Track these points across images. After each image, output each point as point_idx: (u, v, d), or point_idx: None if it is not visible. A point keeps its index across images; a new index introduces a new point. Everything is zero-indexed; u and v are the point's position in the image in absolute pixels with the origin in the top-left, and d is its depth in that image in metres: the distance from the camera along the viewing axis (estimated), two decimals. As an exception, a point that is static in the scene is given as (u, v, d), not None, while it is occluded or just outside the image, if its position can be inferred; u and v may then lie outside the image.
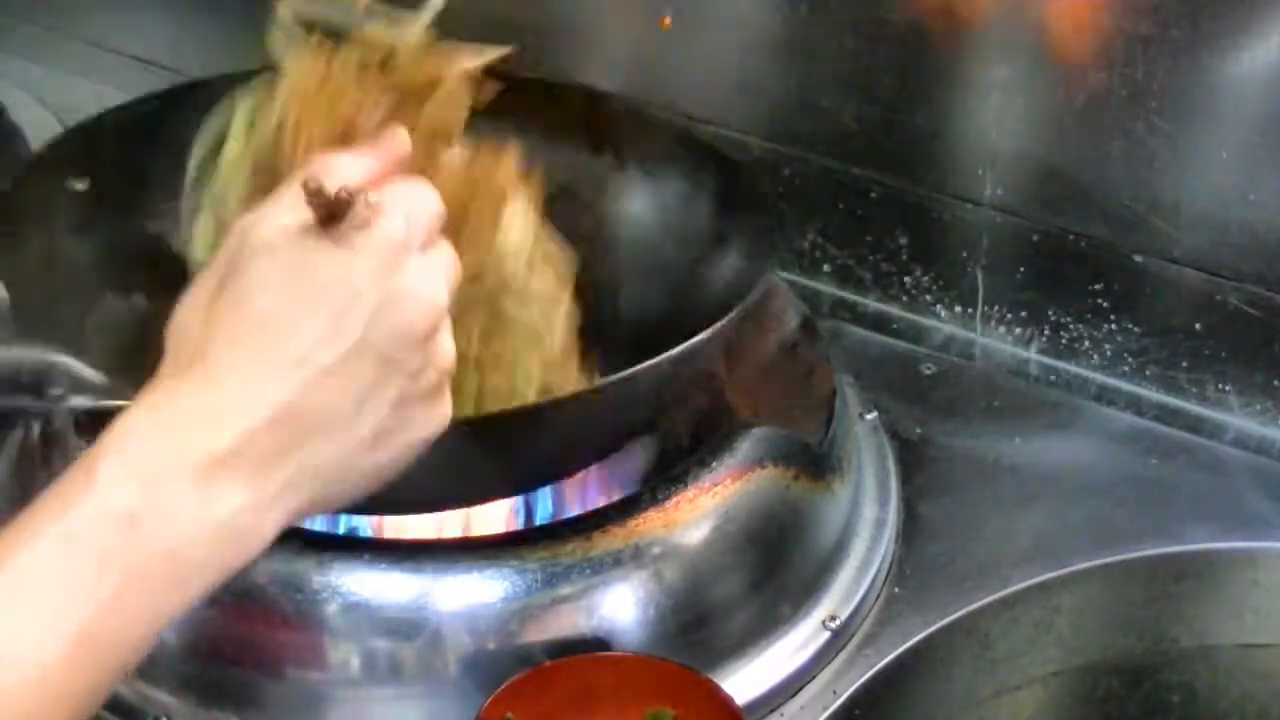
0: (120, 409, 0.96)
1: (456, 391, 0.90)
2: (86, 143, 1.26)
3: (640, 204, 1.33)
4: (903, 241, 1.45)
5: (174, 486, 0.78)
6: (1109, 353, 1.40)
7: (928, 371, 1.42)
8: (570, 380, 1.14)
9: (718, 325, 1.11)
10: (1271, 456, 1.34)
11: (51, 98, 1.68)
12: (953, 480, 1.31)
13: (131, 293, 1.24)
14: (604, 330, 1.23)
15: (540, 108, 1.32)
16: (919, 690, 1.21)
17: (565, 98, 1.34)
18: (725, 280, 1.25)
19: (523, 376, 1.12)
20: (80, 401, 1.00)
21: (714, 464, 1.15)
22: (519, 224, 1.08)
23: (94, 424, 1.02)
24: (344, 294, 0.82)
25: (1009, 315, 1.43)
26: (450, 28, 1.06)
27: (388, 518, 1.16)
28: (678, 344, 1.11)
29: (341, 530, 1.15)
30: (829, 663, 1.17)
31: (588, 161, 1.34)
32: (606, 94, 1.34)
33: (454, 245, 0.89)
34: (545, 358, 1.13)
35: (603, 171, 1.34)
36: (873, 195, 1.44)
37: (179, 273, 1.09)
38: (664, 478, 1.14)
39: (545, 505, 1.20)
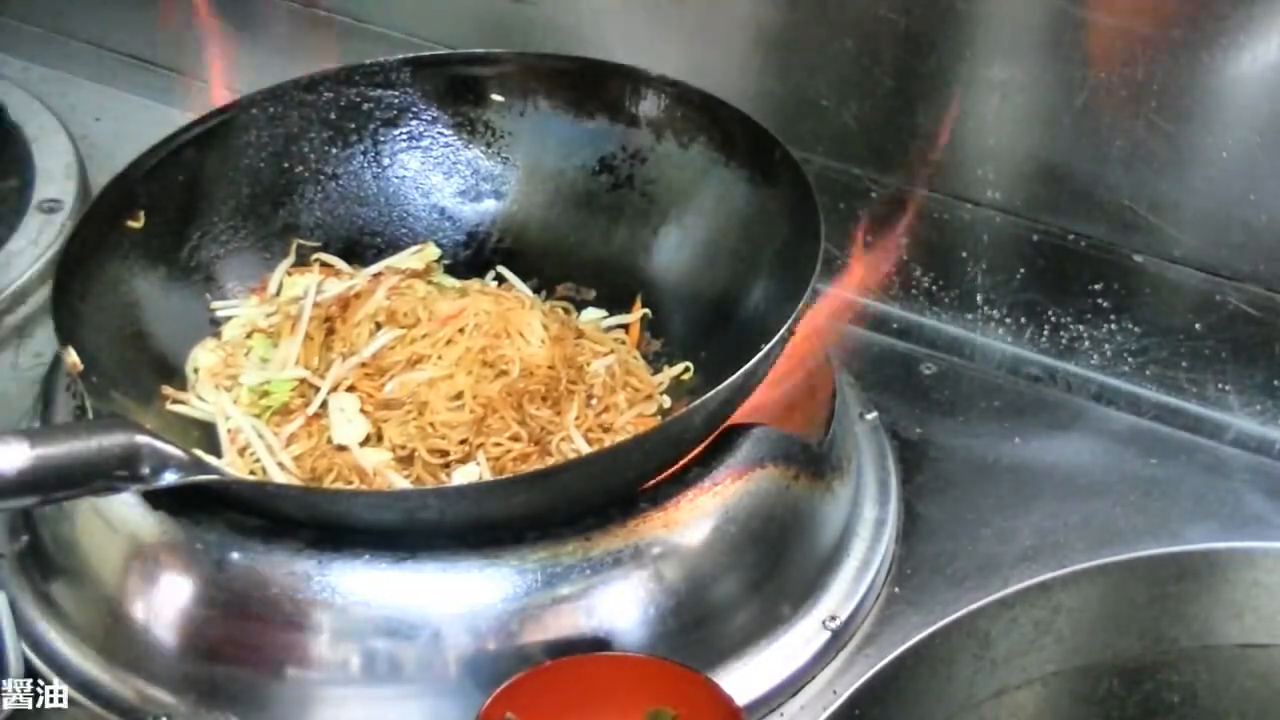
0: (204, 483, 1.00)
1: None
2: (133, 185, 1.29)
3: (677, 176, 1.35)
4: (903, 241, 1.45)
5: None
6: (1109, 353, 1.40)
7: (928, 371, 1.42)
8: (646, 385, 1.27)
9: (773, 341, 1.13)
10: (1271, 456, 1.34)
11: (51, 98, 1.68)
12: (953, 480, 1.31)
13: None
14: (649, 293, 1.34)
15: (579, 84, 1.37)
16: (919, 690, 1.21)
17: (604, 74, 1.37)
18: (767, 259, 1.28)
19: (620, 423, 1.24)
20: (170, 478, 1.03)
21: (714, 464, 1.15)
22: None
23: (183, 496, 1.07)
24: None
25: (1009, 315, 1.43)
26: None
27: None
28: (721, 323, 1.27)
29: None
30: (829, 663, 1.17)
31: (624, 134, 1.36)
32: (641, 70, 1.35)
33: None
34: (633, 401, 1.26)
35: (640, 144, 1.36)
36: (873, 195, 1.44)
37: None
38: (664, 478, 1.14)
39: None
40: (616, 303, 1.35)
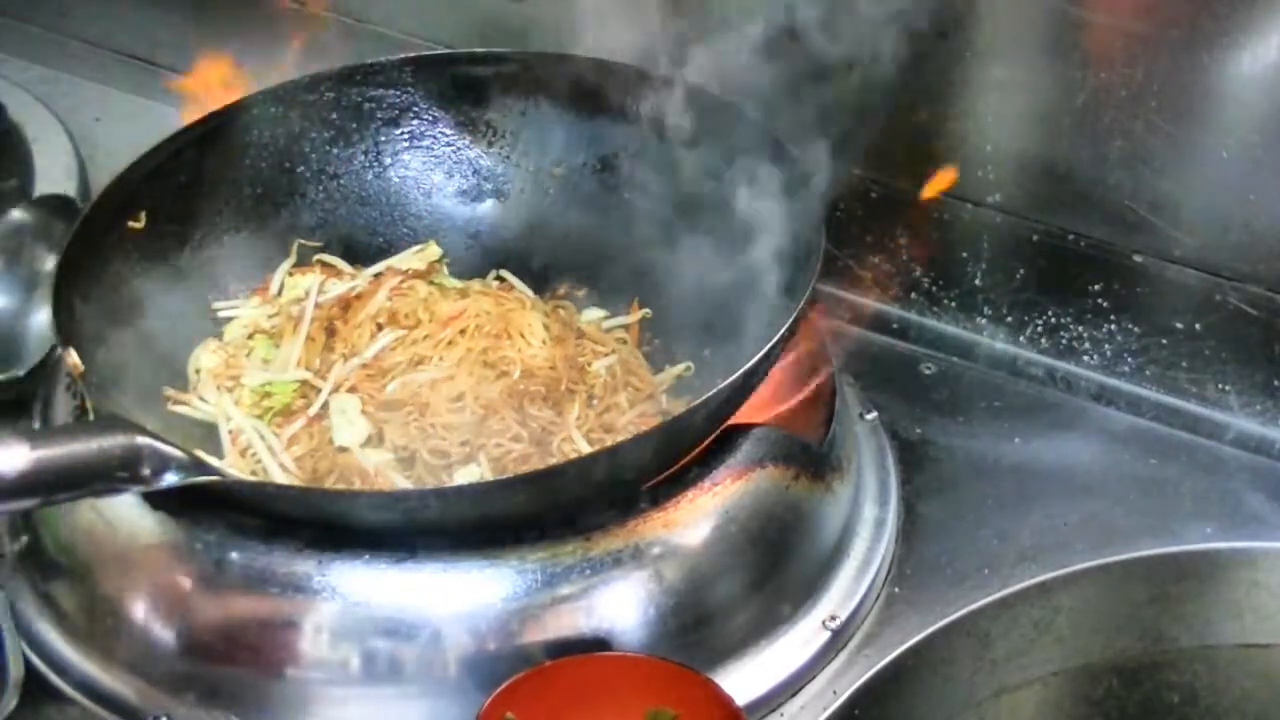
0: (206, 484, 1.00)
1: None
2: (135, 185, 1.28)
3: (678, 175, 1.35)
4: (903, 241, 1.45)
5: None
6: (1109, 353, 1.40)
7: (928, 371, 1.42)
8: (647, 384, 1.27)
9: (774, 340, 1.13)
10: (1271, 456, 1.34)
11: (52, 98, 1.68)
12: (953, 480, 1.31)
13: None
14: (650, 293, 1.34)
15: (579, 84, 1.36)
16: (919, 690, 1.21)
17: (605, 74, 1.36)
18: (766, 253, 1.27)
19: (622, 422, 1.24)
20: (171, 479, 1.03)
21: (714, 464, 1.15)
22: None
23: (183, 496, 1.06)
24: None
25: (1009, 316, 1.43)
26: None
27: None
28: (721, 323, 1.27)
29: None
30: (829, 663, 1.17)
31: (626, 133, 1.36)
32: (643, 69, 1.35)
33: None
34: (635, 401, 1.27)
35: (641, 143, 1.36)
36: (873, 195, 1.44)
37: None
38: (664, 478, 1.14)
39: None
40: (617, 302, 1.35)
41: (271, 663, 1.09)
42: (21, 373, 1.30)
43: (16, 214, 1.36)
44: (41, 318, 1.27)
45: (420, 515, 1.09)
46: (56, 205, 1.39)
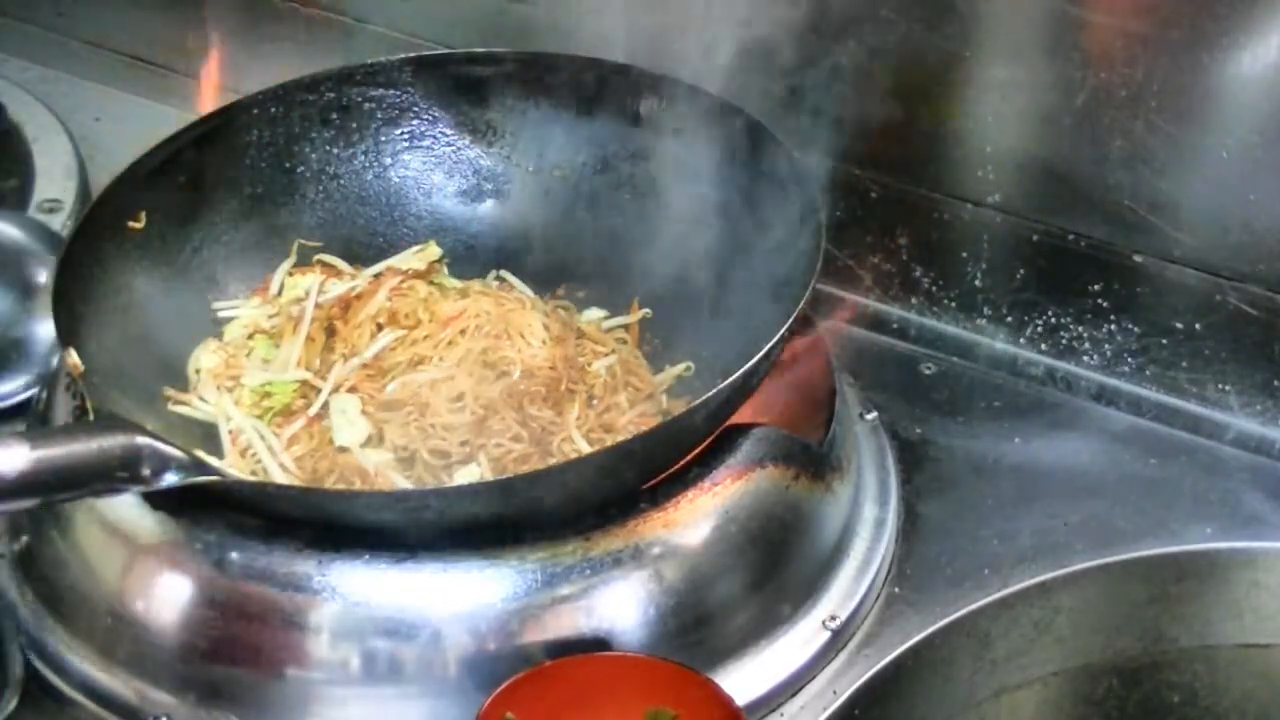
0: (206, 484, 1.00)
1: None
2: (135, 186, 1.28)
3: (678, 175, 1.35)
4: (903, 241, 1.45)
5: None
6: (1109, 353, 1.40)
7: (928, 371, 1.42)
8: (647, 384, 1.27)
9: (774, 340, 1.13)
10: (1271, 456, 1.35)
11: (51, 98, 1.68)
12: (953, 480, 1.31)
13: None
14: (650, 293, 1.34)
15: (579, 84, 1.36)
16: (919, 690, 1.21)
17: (605, 74, 1.37)
18: (766, 253, 1.27)
19: (622, 422, 1.24)
20: (171, 479, 1.03)
21: (714, 464, 1.15)
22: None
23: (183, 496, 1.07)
24: None
25: (1009, 316, 1.43)
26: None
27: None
28: (721, 322, 1.28)
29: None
30: (829, 663, 1.17)
31: (626, 133, 1.36)
32: (643, 69, 1.35)
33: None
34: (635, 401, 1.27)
35: (641, 143, 1.36)
36: (873, 195, 1.44)
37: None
38: (664, 478, 1.14)
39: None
40: (617, 302, 1.35)
41: (272, 663, 1.09)
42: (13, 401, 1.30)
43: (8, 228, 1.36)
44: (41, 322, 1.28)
45: (420, 515, 1.09)
46: (43, 234, 1.39)
